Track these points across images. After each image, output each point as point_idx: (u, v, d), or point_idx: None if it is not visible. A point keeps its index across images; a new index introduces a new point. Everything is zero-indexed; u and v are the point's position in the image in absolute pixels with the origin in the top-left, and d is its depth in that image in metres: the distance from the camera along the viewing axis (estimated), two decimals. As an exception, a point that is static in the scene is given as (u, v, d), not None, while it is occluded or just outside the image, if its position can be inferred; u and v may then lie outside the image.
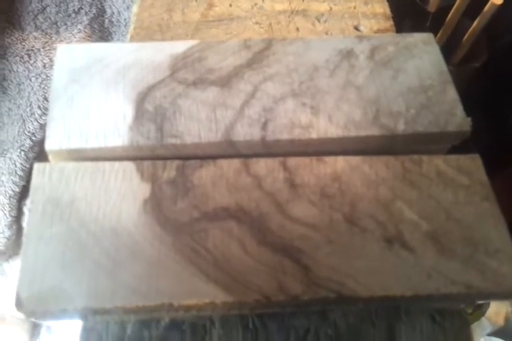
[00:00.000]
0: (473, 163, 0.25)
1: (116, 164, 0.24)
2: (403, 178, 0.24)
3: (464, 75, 0.59)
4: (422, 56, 0.27)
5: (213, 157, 0.25)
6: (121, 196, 0.23)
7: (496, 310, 0.68)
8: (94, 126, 0.25)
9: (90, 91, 0.26)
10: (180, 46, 0.28)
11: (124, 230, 0.22)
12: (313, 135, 0.25)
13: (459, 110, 0.26)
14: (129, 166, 0.24)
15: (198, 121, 0.25)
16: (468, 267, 0.22)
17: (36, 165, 0.24)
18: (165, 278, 0.21)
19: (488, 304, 0.68)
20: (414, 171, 0.24)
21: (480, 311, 0.68)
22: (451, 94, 0.26)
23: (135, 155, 0.24)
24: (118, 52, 0.27)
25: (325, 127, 0.25)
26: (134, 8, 0.39)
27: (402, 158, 0.25)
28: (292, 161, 0.24)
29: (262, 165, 0.24)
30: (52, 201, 0.23)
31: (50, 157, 0.25)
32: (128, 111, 0.25)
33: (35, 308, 0.20)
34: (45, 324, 0.63)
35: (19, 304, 0.20)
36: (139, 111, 0.25)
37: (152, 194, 0.23)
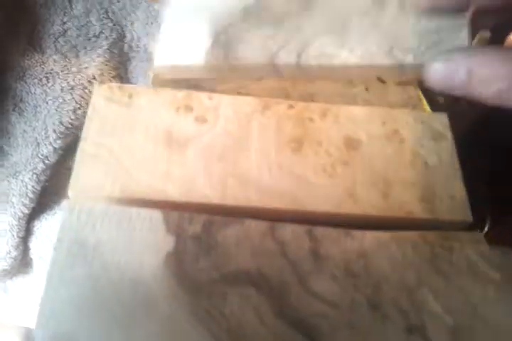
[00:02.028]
0: (505, 256, 0.24)
1: (143, 212, 0.24)
2: (431, 264, 0.23)
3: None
4: None
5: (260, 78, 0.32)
6: (144, 246, 0.23)
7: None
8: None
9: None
10: None
11: (143, 283, 0.22)
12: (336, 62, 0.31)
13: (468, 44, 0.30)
14: (156, 214, 0.24)
15: (252, 49, 0.33)
16: None
17: (67, 203, 0.24)
18: (175, 339, 0.21)
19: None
20: (444, 258, 0.23)
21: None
22: (464, 32, 0.29)
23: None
24: None
25: (346, 56, 0.31)
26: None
27: (433, 242, 0.24)
28: (319, 231, 0.24)
29: (287, 230, 0.24)
30: (78, 242, 0.23)
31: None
32: (207, 41, 0.32)
33: None
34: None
35: None
36: (215, 41, 0.32)
37: (175, 248, 0.23)
